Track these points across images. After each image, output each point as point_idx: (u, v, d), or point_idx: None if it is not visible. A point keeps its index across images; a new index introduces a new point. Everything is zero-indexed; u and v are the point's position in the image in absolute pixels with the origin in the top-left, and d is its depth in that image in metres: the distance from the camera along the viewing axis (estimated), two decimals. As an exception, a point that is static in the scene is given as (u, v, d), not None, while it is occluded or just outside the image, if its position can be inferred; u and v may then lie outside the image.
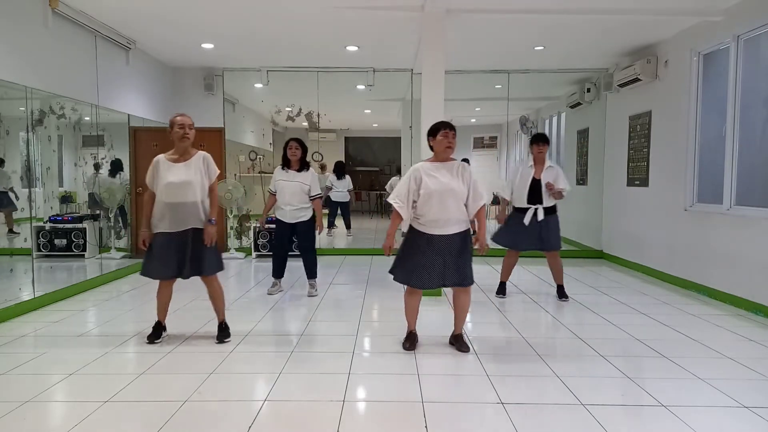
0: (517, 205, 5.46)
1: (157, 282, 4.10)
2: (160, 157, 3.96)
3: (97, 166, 6.93)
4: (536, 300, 5.62)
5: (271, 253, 8.12)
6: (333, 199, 10.27)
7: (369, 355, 3.86)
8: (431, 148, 3.91)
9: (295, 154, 5.55)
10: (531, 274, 7.11)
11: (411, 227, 3.90)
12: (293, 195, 5.50)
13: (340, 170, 10.33)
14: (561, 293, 5.54)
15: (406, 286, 4.00)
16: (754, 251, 5.08)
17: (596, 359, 3.75)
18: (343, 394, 3.09)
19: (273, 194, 5.64)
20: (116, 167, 7.34)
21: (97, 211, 7.07)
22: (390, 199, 3.83)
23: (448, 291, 5.86)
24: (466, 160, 10.52)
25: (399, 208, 3.79)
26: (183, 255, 3.92)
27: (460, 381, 3.39)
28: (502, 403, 2.98)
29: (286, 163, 5.61)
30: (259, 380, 3.39)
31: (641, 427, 2.77)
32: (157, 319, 4.12)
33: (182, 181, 3.85)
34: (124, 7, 5.67)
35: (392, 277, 3.96)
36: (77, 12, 5.68)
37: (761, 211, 5.03)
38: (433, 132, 3.87)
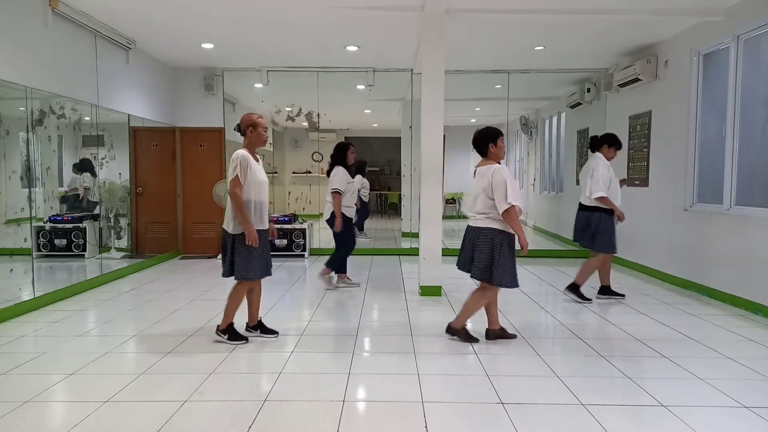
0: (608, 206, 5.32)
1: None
2: (246, 152, 3.86)
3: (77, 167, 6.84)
4: (536, 300, 5.62)
5: (272, 254, 8.16)
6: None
7: (369, 355, 3.86)
8: (486, 152, 3.97)
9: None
10: (531, 274, 7.11)
11: (503, 231, 3.86)
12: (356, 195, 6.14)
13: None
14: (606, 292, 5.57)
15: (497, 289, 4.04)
16: (754, 251, 5.08)
17: (596, 359, 3.75)
18: (343, 394, 3.09)
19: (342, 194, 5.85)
20: (84, 166, 7.09)
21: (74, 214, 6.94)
22: (515, 202, 3.73)
23: (448, 291, 5.86)
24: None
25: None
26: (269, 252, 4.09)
27: (460, 381, 3.39)
28: (502, 403, 2.98)
29: (347, 166, 5.92)
30: (259, 380, 3.39)
31: (641, 427, 2.77)
32: (231, 322, 4.06)
33: (266, 181, 4.01)
34: (124, 7, 5.67)
35: (506, 285, 3.91)
36: (77, 12, 5.68)
37: (761, 211, 5.03)
38: (494, 137, 3.95)
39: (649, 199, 7.01)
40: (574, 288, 5.50)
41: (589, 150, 5.59)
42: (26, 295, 5.04)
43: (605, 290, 5.59)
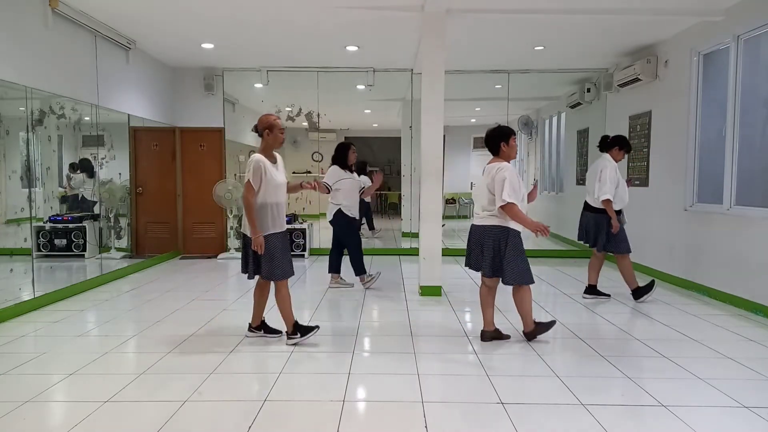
0: (619, 207, 5.29)
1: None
2: (262, 157, 3.83)
3: (74, 167, 6.82)
4: (536, 300, 5.60)
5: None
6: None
7: (369, 355, 3.86)
8: (498, 151, 3.95)
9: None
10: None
11: (513, 229, 3.86)
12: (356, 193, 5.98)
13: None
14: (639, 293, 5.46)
15: (524, 286, 3.99)
16: (754, 251, 5.08)
17: (596, 359, 3.75)
18: (343, 394, 3.09)
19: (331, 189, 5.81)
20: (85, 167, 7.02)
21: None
22: (512, 200, 3.72)
23: (448, 291, 5.86)
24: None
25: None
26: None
27: (460, 381, 3.39)
28: (502, 403, 2.98)
29: (345, 165, 5.91)
30: (259, 380, 3.39)
31: (641, 427, 2.77)
32: (294, 321, 4.03)
33: (284, 182, 3.98)
34: (124, 7, 5.67)
35: (527, 284, 3.93)
36: (77, 12, 5.68)
37: (761, 211, 5.02)
38: (506, 136, 3.93)
39: (649, 199, 7.01)
40: (637, 292, 5.42)
41: (598, 149, 5.50)
42: (26, 295, 5.04)
43: (592, 290, 5.56)
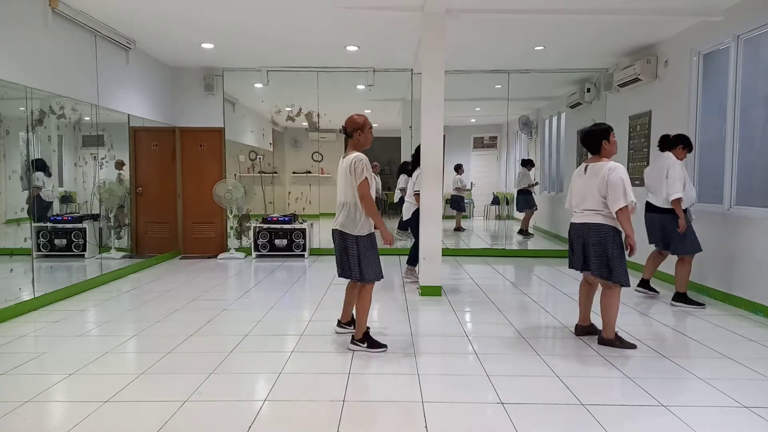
0: (686, 206, 5.21)
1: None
2: (363, 155, 3.79)
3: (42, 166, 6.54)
4: (536, 300, 5.62)
5: (272, 254, 8.22)
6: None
7: (369, 355, 3.86)
8: (600, 149, 3.91)
9: None
10: (531, 274, 7.11)
11: (615, 228, 3.87)
12: None
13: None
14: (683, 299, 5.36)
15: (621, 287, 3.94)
16: (753, 251, 5.08)
17: (596, 359, 3.75)
18: (343, 394, 3.09)
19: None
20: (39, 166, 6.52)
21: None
22: (633, 200, 3.76)
23: (448, 291, 5.86)
24: (529, 162, 10.43)
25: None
26: None
27: (460, 381, 3.39)
28: (502, 403, 2.98)
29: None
30: (259, 380, 3.39)
31: (641, 427, 2.77)
32: (366, 328, 3.95)
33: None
34: (124, 7, 5.67)
35: (625, 284, 3.87)
36: (77, 12, 5.68)
37: (761, 211, 5.03)
38: (606, 133, 3.89)
39: (649, 199, 7.00)
40: (680, 297, 5.34)
41: (658, 148, 5.41)
42: (26, 295, 5.04)
43: (645, 284, 5.68)
